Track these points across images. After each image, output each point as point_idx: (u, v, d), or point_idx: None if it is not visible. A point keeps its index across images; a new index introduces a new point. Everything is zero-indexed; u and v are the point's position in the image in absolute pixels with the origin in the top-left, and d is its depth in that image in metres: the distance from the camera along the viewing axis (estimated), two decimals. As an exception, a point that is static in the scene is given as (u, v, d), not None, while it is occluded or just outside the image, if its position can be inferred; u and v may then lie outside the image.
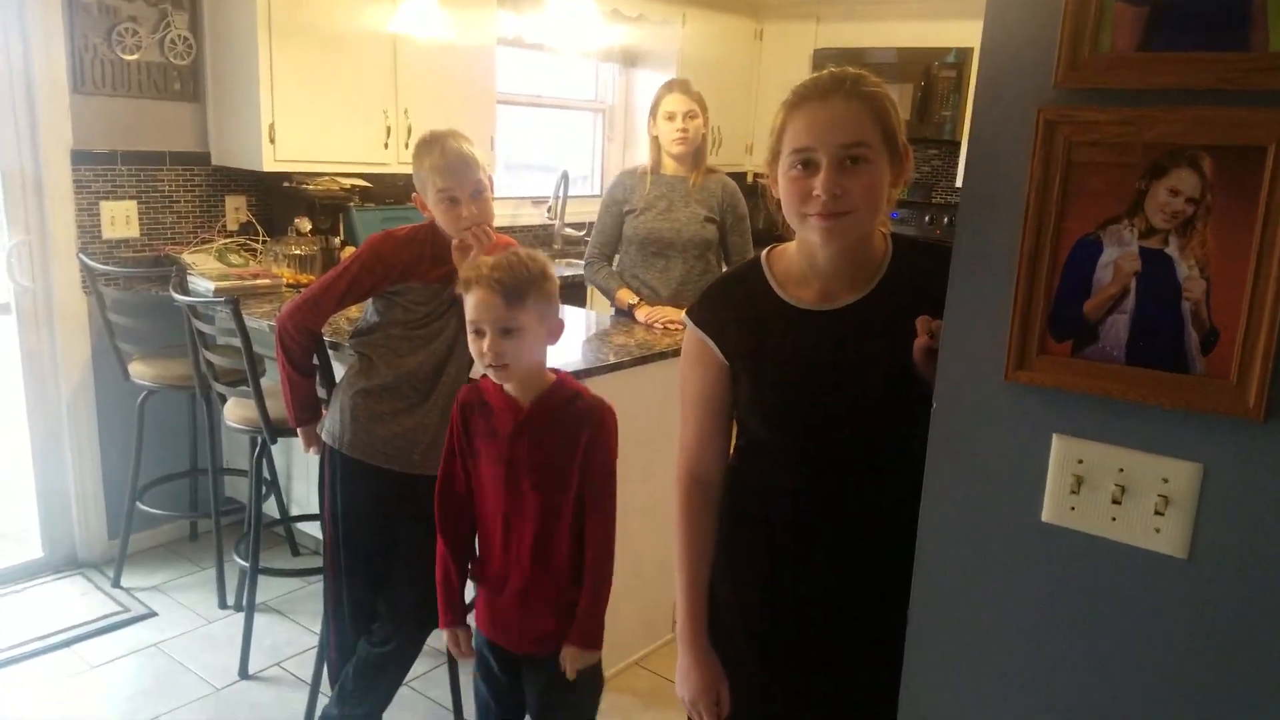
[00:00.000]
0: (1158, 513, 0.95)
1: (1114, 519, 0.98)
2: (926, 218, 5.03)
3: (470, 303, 1.69)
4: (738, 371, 1.39)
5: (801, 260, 1.36)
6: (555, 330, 1.75)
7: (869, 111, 1.25)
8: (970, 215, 1.04)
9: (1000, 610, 1.06)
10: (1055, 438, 1.00)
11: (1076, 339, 0.98)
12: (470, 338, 1.71)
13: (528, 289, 1.68)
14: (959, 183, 4.82)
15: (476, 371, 2.26)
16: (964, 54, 4.61)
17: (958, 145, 4.80)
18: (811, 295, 1.35)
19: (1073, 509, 1.00)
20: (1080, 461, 0.99)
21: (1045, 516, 1.02)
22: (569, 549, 1.77)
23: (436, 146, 2.12)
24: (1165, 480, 0.95)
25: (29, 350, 3.24)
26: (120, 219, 3.30)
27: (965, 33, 4.55)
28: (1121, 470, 0.97)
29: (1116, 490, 0.98)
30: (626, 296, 3.14)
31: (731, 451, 1.47)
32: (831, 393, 1.31)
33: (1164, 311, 0.93)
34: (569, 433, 1.72)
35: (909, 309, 1.22)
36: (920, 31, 4.69)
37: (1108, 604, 1.00)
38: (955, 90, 4.64)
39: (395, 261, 2.17)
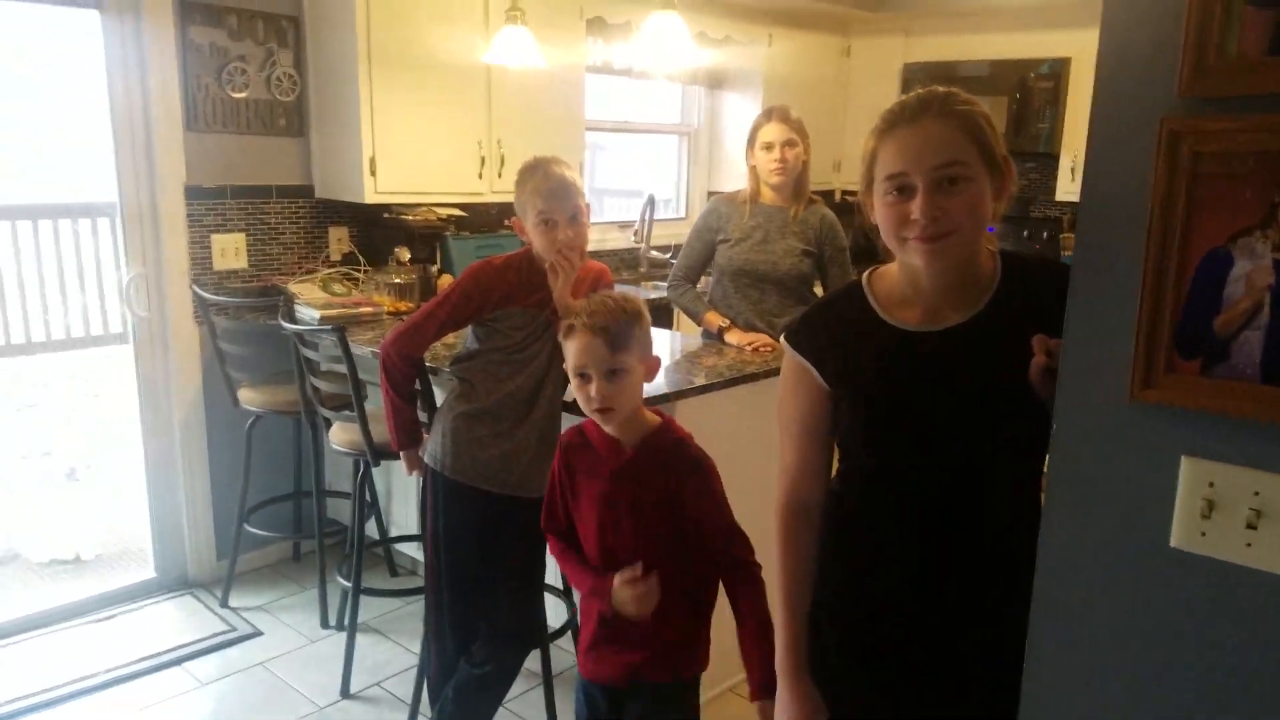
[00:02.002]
0: (1300, 538, 0.90)
1: (1249, 545, 0.93)
2: (1025, 232, 4.90)
3: (573, 348, 1.69)
4: (839, 397, 1.37)
5: (904, 281, 1.33)
6: (653, 368, 1.75)
7: (961, 129, 1.23)
8: (1091, 229, 1.01)
9: (1125, 638, 1.02)
10: (1184, 460, 0.96)
11: (1206, 357, 0.94)
12: (576, 383, 1.71)
13: (630, 330, 1.69)
14: (1058, 195, 4.71)
15: (569, 395, 2.29)
16: (1059, 64, 4.49)
17: (1055, 158, 4.68)
18: (916, 317, 1.32)
19: (1204, 534, 0.96)
20: (1211, 484, 0.95)
21: (1174, 542, 0.97)
22: (686, 578, 1.75)
23: (540, 171, 2.18)
24: (1307, 504, 0.90)
25: (145, 377, 3.40)
26: (230, 251, 3.45)
27: (1060, 43, 4.44)
28: (1257, 494, 0.92)
29: (1251, 515, 0.93)
30: (716, 319, 3.11)
31: (833, 475, 1.45)
32: (937, 416, 1.28)
33: (1302, 327, 0.89)
34: (673, 478, 1.71)
35: (1022, 328, 1.19)
36: (1013, 43, 4.60)
37: (1243, 634, 0.95)
38: (1052, 102, 4.52)
39: (494, 289, 2.22)
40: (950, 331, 1.29)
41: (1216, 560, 0.95)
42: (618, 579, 1.68)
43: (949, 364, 1.28)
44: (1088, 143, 1.00)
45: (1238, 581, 0.94)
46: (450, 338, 2.78)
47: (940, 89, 1.27)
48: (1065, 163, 4.60)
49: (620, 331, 1.67)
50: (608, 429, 1.73)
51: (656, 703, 1.79)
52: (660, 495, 1.71)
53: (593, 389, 1.67)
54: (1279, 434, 0.91)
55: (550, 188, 2.15)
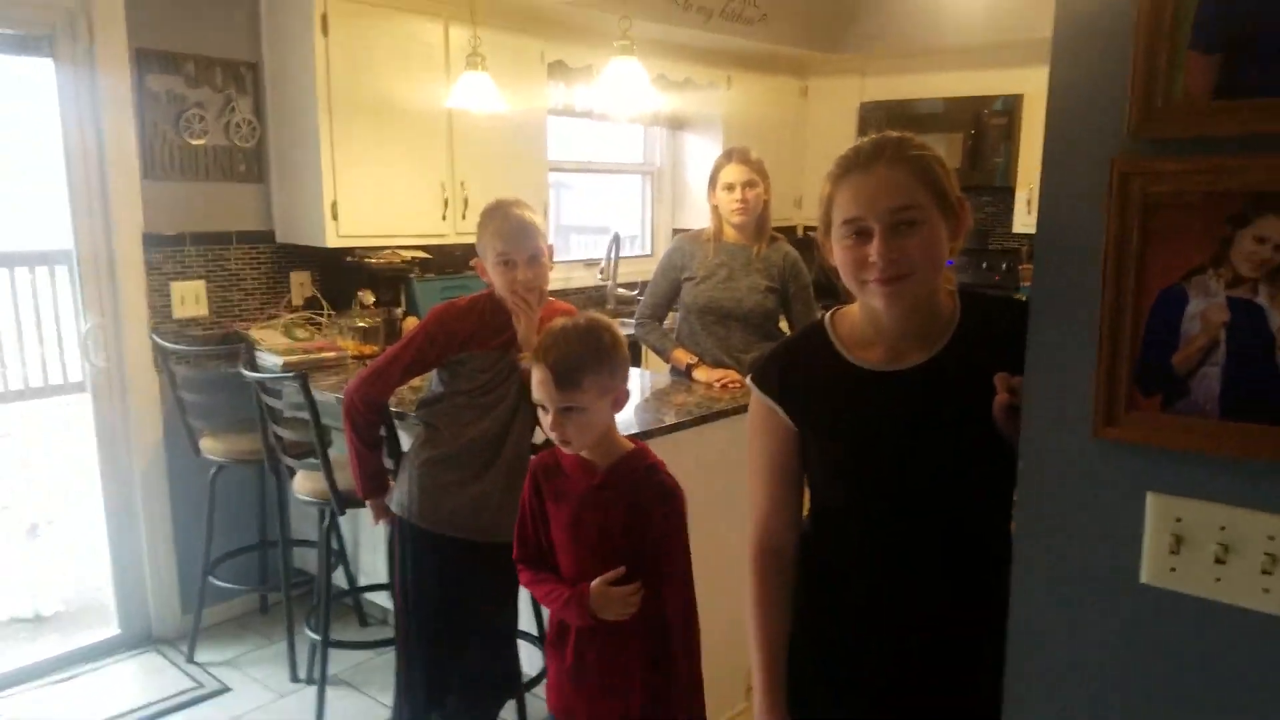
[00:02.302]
0: (1265, 572, 0.91)
1: (1218, 579, 0.94)
2: (983, 264, 4.98)
3: (534, 380, 1.70)
4: (806, 436, 1.37)
5: (866, 322, 1.35)
6: (620, 400, 1.75)
7: (915, 174, 1.25)
8: (1047, 269, 1.02)
9: (1100, 675, 1.02)
10: (1150, 496, 0.97)
11: (1166, 393, 0.95)
12: (539, 411, 1.72)
13: (583, 370, 1.65)
14: (1015, 228, 4.80)
15: (539, 436, 2.28)
16: (1012, 100, 4.60)
17: (1011, 190, 4.77)
18: (878, 356, 1.33)
19: (1173, 570, 0.96)
20: (1179, 520, 0.95)
21: (1145, 578, 0.98)
22: (641, 622, 1.74)
23: (499, 213, 2.20)
24: (1271, 538, 0.91)
25: (104, 428, 3.33)
26: (190, 298, 3.40)
27: (1012, 80, 4.55)
28: (1223, 528, 0.93)
29: (1219, 549, 0.94)
30: (684, 356, 3.13)
31: (805, 516, 1.45)
32: (906, 455, 1.29)
33: (1257, 363, 0.90)
34: (643, 504, 1.71)
35: (983, 366, 1.20)
36: (967, 81, 4.70)
37: (1216, 668, 0.95)
38: (1006, 137, 4.63)
39: (458, 331, 2.21)
40: (913, 371, 1.30)
41: (1187, 595, 0.96)
42: (598, 581, 1.66)
43: (912, 403, 1.29)
44: (1041, 184, 1.02)
45: (1208, 616, 0.95)
46: (416, 381, 2.76)
47: (894, 135, 1.29)
48: (1021, 195, 4.70)
49: (571, 371, 1.64)
50: (588, 458, 1.74)
51: None
52: (627, 521, 1.70)
53: (549, 423, 1.69)
54: (1241, 469, 0.92)
55: (509, 229, 2.17)
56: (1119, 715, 1.01)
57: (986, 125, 4.65)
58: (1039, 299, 1.03)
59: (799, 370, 1.40)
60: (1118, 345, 0.96)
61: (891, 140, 1.28)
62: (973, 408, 1.21)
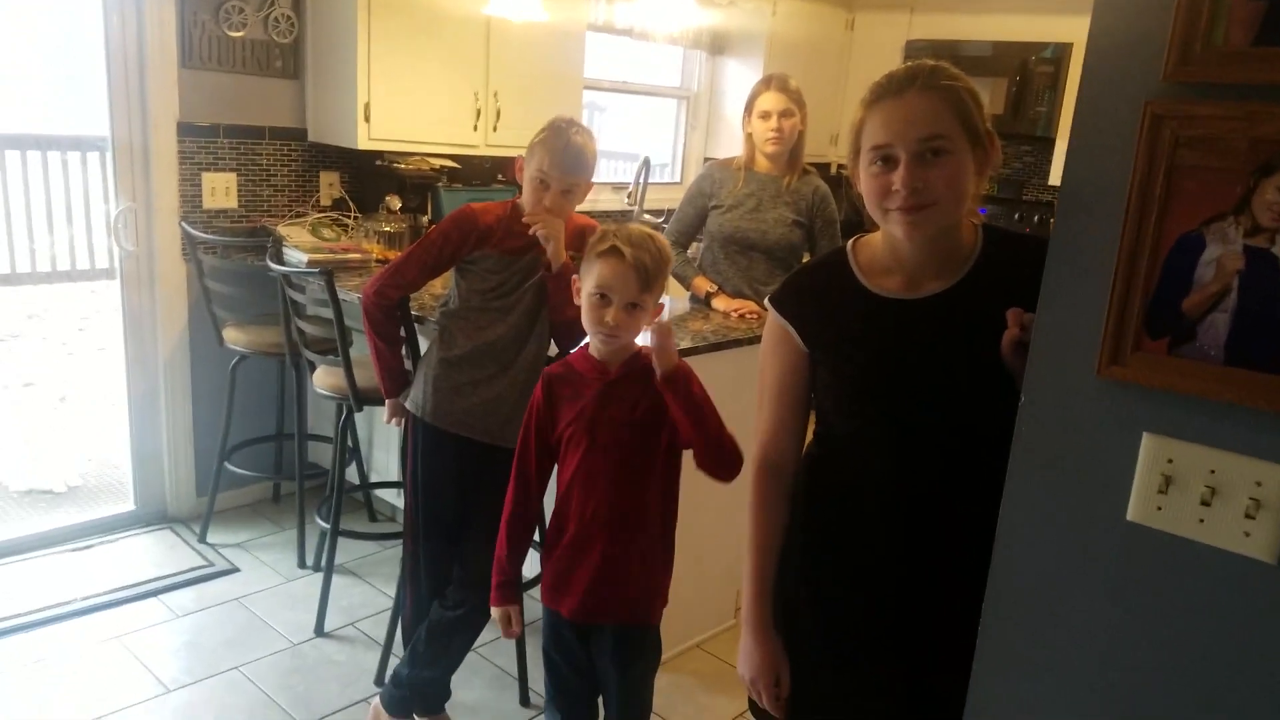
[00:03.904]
0: (1249, 516, 0.94)
1: (1202, 520, 0.97)
2: (1016, 215, 4.92)
3: (601, 269, 1.72)
4: (817, 360, 1.39)
5: (886, 251, 1.36)
6: (659, 311, 1.80)
7: (946, 103, 1.25)
8: (1069, 207, 1.03)
9: (1078, 607, 1.05)
10: (1146, 436, 0.99)
11: (1173, 337, 0.96)
12: (592, 301, 1.74)
13: (660, 273, 1.75)
14: (1052, 180, 4.73)
15: (553, 351, 2.31)
16: (1062, 49, 4.48)
17: (1051, 142, 4.68)
18: (896, 285, 1.34)
19: (1160, 509, 0.99)
20: (1170, 461, 0.98)
21: (1131, 515, 1.01)
22: (655, 515, 1.81)
23: (562, 135, 2.17)
24: (1259, 484, 0.93)
25: (130, 312, 3.39)
26: (220, 190, 3.43)
27: (1063, 27, 4.43)
28: (1213, 472, 0.96)
29: (1206, 492, 0.96)
30: (704, 284, 3.13)
31: (809, 439, 1.48)
32: (913, 383, 1.31)
33: (1267, 311, 0.92)
34: (655, 391, 1.75)
35: (998, 300, 1.21)
36: (1017, 25, 4.58)
37: (1192, 607, 0.98)
38: (1051, 86, 4.52)
39: (471, 228, 2.24)
40: (929, 300, 1.31)
41: (1170, 535, 0.98)
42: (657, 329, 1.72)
43: (925, 332, 1.30)
44: (1073, 122, 1.02)
45: (1189, 555, 0.98)
46: (438, 288, 2.79)
47: (929, 62, 1.29)
48: (1060, 147, 4.61)
49: (653, 271, 1.73)
50: (601, 352, 1.78)
51: (621, 642, 1.84)
52: (643, 412, 1.76)
53: (609, 314, 1.72)
54: (1238, 415, 0.94)
55: (560, 152, 2.16)
56: (1096, 648, 1.05)
57: (1033, 72, 4.55)
58: (1059, 236, 1.04)
59: (817, 294, 1.41)
60: (1131, 286, 0.98)
61: (926, 68, 1.27)
62: (985, 341, 1.22)
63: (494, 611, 1.92)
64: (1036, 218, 4.86)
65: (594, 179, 2.29)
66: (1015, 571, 1.10)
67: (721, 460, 1.76)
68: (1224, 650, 0.97)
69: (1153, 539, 1.00)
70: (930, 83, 1.25)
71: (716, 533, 2.64)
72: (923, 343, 1.30)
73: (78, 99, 3.46)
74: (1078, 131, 1.02)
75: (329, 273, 2.65)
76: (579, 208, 2.32)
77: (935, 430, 1.31)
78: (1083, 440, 1.03)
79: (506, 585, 1.90)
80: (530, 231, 2.17)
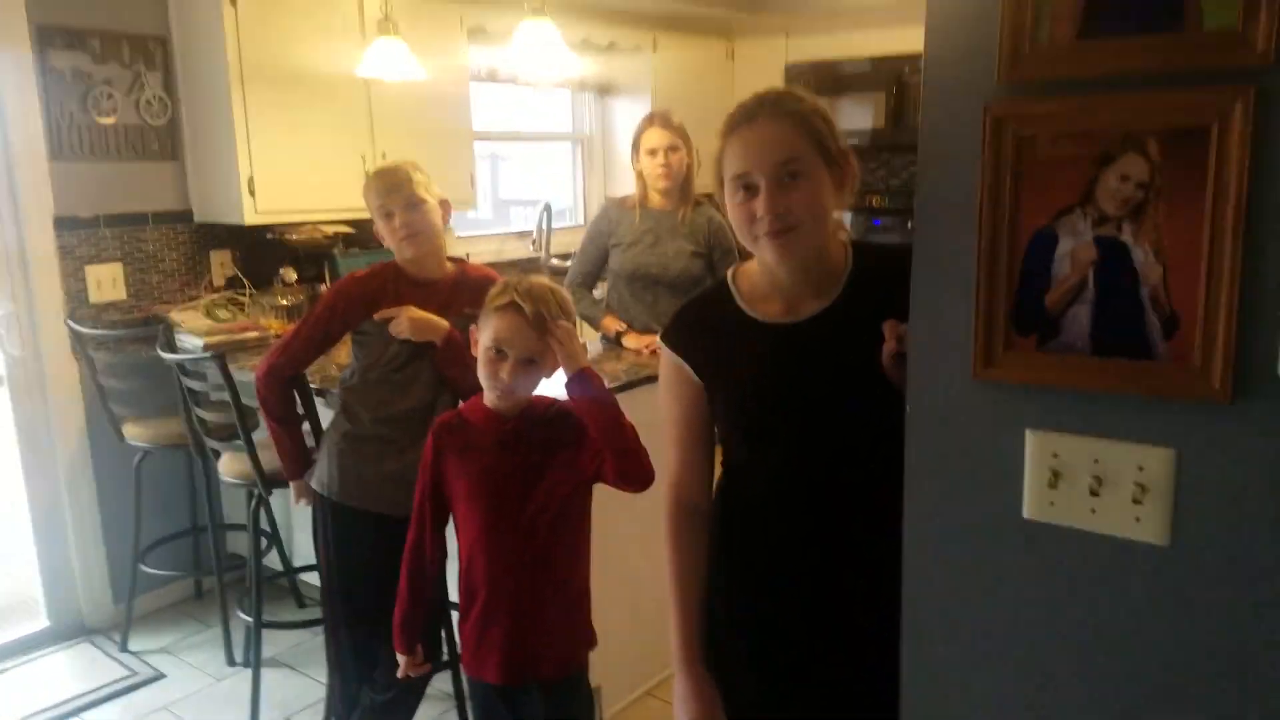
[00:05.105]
0: (1136, 501, 0.94)
1: (1094, 510, 0.97)
2: (910, 224, 5.03)
3: (498, 323, 1.69)
4: (713, 391, 1.39)
5: (764, 277, 1.37)
6: (554, 365, 1.76)
7: (796, 127, 1.27)
8: (926, 216, 1.04)
9: (990, 609, 1.05)
10: (1029, 433, 0.99)
11: (1041, 333, 0.97)
12: (488, 355, 1.70)
13: (560, 319, 1.71)
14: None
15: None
16: (935, 57, 4.63)
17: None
18: (777, 310, 1.35)
19: (1052, 504, 0.99)
20: (1056, 455, 0.98)
21: (1027, 513, 1.01)
22: (567, 560, 1.78)
23: (375, 173, 2.25)
24: (1140, 468, 0.94)
25: (24, 420, 3.24)
26: (107, 282, 3.31)
27: (935, 37, 4.57)
28: (1097, 461, 0.96)
29: (1094, 481, 0.96)
30: (613, 324, 3.13)
31: (719, 473, 1.47)
32: (806, 406, 1.31)
33: (1124, 299, 0.93)
34: (555, 432, 1.74)
35: (875, 315, 1.22)
36: (891, 38, 4.71)
37: (1095, 596, 0.98)
38: (929, 95, 4.66)
39: (357, 297, 2.20)
40: (808, 322, 1.33)
41: (1067, 527, 0.99)
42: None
43: (809, 354, 1.31)
44: (920, 132, 1.03)
45: (1087, 546, 0.98)
46: (344, 357, 2.72)
47: (776, 90, 1.33)
48: (946, 153, 4.75)
49: (549, 320, 1.69)
50: (496, 405, 1.74)
51: (552, 697, 1.80)
52: (545, 456, 1.74)
53: (504, 370, 1.68)
54: (1112, 402, 0.94)
55: (383, 183, 2.19)
56: (1012, 649, 1.04)
57: (908, 84, 4.68)
58: (920, 245, 1.04)
59: (703, 327, 1.41)
60: (994, 287, 0.98)
61: (772, 95, 1.30)
62: (867, 356, 1.23)
63: (400, 659, 1.88)
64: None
65: (429, 195, 2.23)
66: (926, 580, 1.10)
67: (635, 469, 1.72)
68: (1130, 633, 0.97)
69: (1051, 534, 1.00)
70: (778, 109, 1.28)
71: (648, 574, 2.59)
72: (808, 364, 1.31)
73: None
74: (925, 141, 1.03)
75: (221, 356, 2.57)
76: (486, 259, 2.29)
77: (832, 449, 1.31)
78: (969, 443, 1.03)
79: (406, 631, 1.86)
80: (392, 331, 2.15)
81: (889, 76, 4.72)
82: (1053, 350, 0.96)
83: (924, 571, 1.10)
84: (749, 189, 1.28)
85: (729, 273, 1.43)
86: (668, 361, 1.44)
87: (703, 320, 1.43)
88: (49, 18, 3.08)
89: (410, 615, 1.86)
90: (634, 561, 2.34)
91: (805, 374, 1.31)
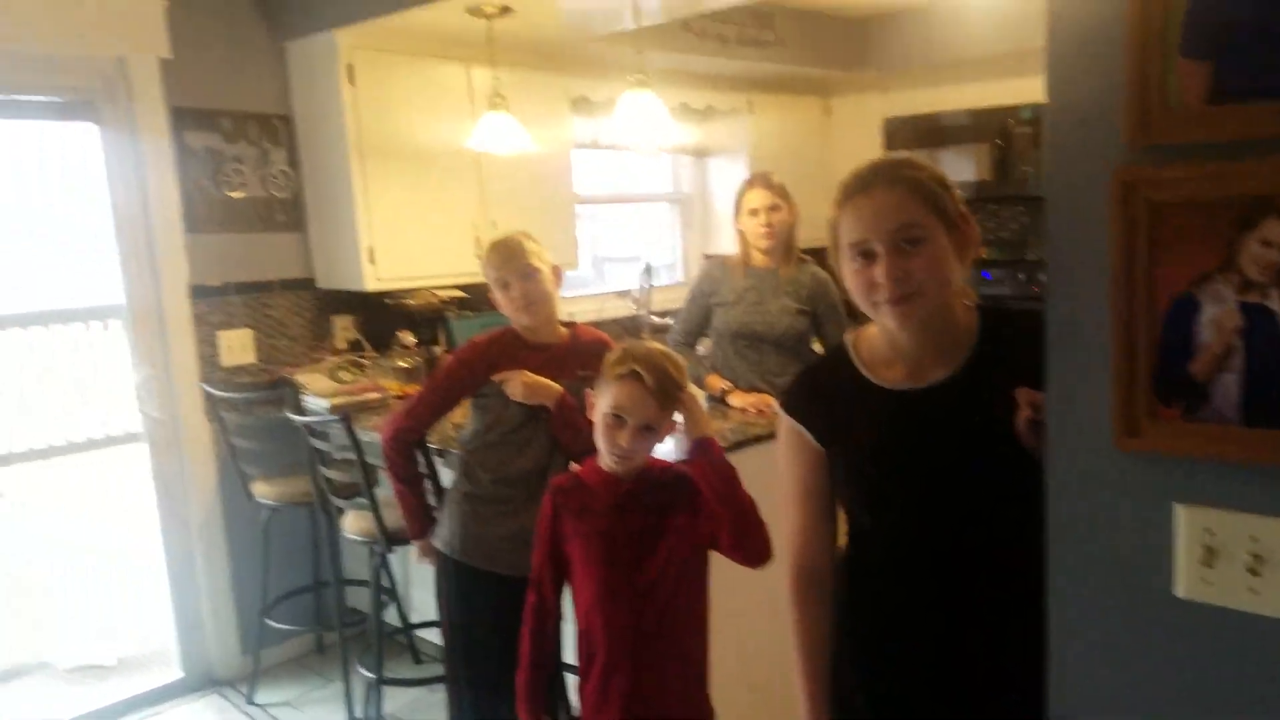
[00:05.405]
0: (1303, 581, 0.90)
1: (1254, 590, 0.93)
2: (1021, 275, 4.93)
3: (618, 391, 1.72)
4: (832, 457, 1.39)
5: (884, 342, 1.37)
6: (671, 429, 1.80)
7: (913, 193, 1.28)
8: (1058, 282, 1.03)
9: (1138, 689, 1.01)
10: (1178, 507, 0.96)
11: (1187, 402, 0.95)
12: (606, 421, 1.74)
13: (678, 393, 1.74)
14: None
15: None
16: (1039, 109, 4.53)
17: (1043, 199, 4.72)
18: (899, 375, 1.35)
19: (1208, 582, 0.95)
20: (1210, 532, 0.94)
21: (1180, 592, 0.97)
22: (686, 626, 1.78)
23: (491, 245, 2.34)
24: (1305, 546, 0.90)
25: (161, 477, 3.43)
26: (237, 346, 3.50)
27: (1037, 88, 4.48)
28: (1255, 539, 0.92)
29: (1253, 560, 0.92)
30: (717, 382, 3.14)
31: (845, 538, 1.46)
32: (933, 474, 1.30)
33: (1275, 368, 0.90)
34: (670, 495, 1.75)
35: (1005, 381, 1.21)
36: (991, 91, 4.68)
37: (1259, 682, 0.94)
38: (1035, 145, 4.58)
39: (479, 364, 2.28)
40: (935, 388, 1.31)
41: (1224, 609, 0.94)
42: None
43: (936, 420, 1.30)
44: (1046, 198, 1.03)
45: (1247, 628, 0.93)
46: (458, 416, 2.80)
47: (891, 158, 1.35)
48: (1054, 202, 4.65)
49: (671, 393, 1.73)
50: (612, 468, 1.77)
51: None
52: (661, 520, 1.75)
53: (623, 437, 1.71)
54: (1268, 476, 0.91)
55: (499, 255, 2.28)
56: (1162, 727, 1.00)
57: (1014, 134, 4.62)
58: (1053, 314, 1.03)
59: (824, 392, 1.42)
60: (1133, 356, 0.97)
61: (888, 163, 1.32)
62: (998, 423, 1.21)
63: None
64: (1042, 276, 4.86)
65: (542, 263, 2.32)
66: (1070, 654, 1.06)
67: (752, 541, 1.72)
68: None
69: (1207, 614, 0.96)
70: (895, 176, 1.28)
71: (760, 639, 2.56)
72: (932, 430, 1.30)
73: (94, 271, 3.59)
74: (1053, 207, 1.03)
75: (347, 417, 2.68)
76: (588, 318, 2.36)
77: (957, 514, 1.29)
78: (1115, 516, 1.01)
79: (532, 698, 1.86)
80: (507, 393, 2.23)
81: (991, 128, 4.67)
82: (1201, 421, 0.94)
83: (1068, 647, 1.07)
84: (866, 256, 1.28)
85: (848, 337, 1.43)
86: (788, 428, 1.44)
87: (822, 386, 1.43)
88: (184, 101, 3.32)
89: (534, 680, 1.87)
90: (742, 625, 2.32)
91: (929, 440, 1.30)
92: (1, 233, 3.87)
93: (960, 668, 1.32)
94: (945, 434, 1.29)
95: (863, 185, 1.30)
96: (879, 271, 1.26)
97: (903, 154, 1.38)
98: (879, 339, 1.38)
